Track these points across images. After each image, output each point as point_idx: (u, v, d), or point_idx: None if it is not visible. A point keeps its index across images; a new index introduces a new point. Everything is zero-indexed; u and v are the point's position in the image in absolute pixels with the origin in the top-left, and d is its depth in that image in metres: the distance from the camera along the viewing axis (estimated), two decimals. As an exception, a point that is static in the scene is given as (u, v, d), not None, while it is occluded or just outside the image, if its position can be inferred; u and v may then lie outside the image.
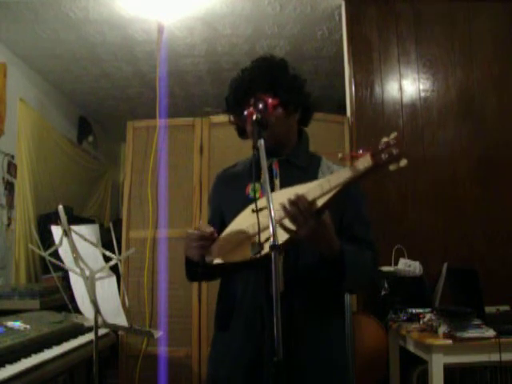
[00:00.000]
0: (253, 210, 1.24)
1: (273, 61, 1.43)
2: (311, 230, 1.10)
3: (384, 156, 0.98)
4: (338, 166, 1.43)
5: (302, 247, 1.26)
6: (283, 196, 1.13)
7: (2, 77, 3.86)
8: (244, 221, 1.29)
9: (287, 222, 1.12)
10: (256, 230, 1.18)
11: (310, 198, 1.11)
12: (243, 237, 1.27)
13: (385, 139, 0.99)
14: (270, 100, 1.34)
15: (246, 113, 1.31)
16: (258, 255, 1.18)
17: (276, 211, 1.13)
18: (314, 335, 1.29)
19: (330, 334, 1.33)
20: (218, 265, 1.32)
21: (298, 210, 1.09)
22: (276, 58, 1.44)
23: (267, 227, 1.15)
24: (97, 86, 4.94)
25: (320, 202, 1.10)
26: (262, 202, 1.19)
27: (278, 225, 1.13)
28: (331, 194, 1.09)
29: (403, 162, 0.97)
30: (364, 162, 1.01)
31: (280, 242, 1.13)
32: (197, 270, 1.37)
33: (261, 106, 1.33)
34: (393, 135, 0.99)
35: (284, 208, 1.11)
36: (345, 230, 1.33)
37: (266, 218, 1.14)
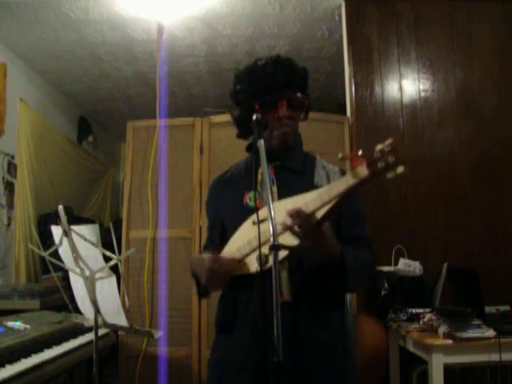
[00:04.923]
0: (254, 222, 1.23)
1: (298, 65, 1.43)
2: (312, 242, 1.11)
3: (380, 165, 0.96)
4: (333, 165, 1.44)
5: (306, 256, 1.26)
6: (282, 207, 1.12)
7: (2, 77, 3.86)
8: (247, 232, 1.28)
9: (288, 235, 1.11)
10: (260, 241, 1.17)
11: (309, 209, 1.10)
12: (247, 250, 1.26)
13: (379, 146, 0.97)
14: (306, 102, 1.38)
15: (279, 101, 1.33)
16: (264, 268, 1.17)
17: (279, 223, 1.12)
18: (319, 337, 1.29)
19: (334, 333, 1.34)
20: None
21: (298, 223, 1.08)
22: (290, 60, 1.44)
23: (269, 239, 1.15)
24: (97, 86, 4.94)
25: (319, 214, 1.10)
26: (262, 213, 1.17)
27: (286, 233, 1.13)
28: (330, 205, 1.08)
29: (400, 169, 0.94)
30: (361, 171, 1.00)
31: (282, 255, 1.13)
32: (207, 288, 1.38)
33: (300, 103, 1.36)
34: (388, 142, 0.96)
35: (283, 222, 1.10)
36: (343, 230, 1.33)
37: (267, 229, 1.14)
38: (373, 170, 0.98)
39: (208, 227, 1.55)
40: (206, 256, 1.30)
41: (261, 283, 1.23)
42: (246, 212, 1.31)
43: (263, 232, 1.14)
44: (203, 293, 1.45)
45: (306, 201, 1.12)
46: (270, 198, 1.09)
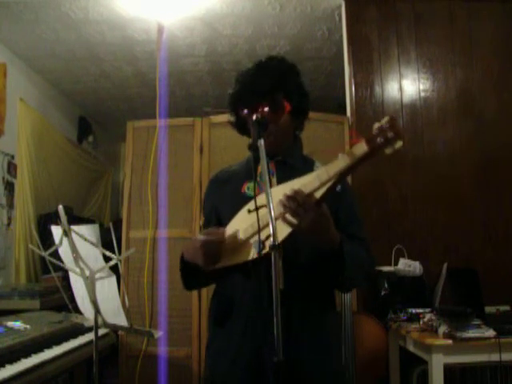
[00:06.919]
0: (249, 210, 1.23)
1: (287, 64, 1.43)
2: (312, 222, 1.11)
3: (379, 140, 0.97)
4: None
5: (300, 245, 1.26)
6: (280, 191, 1.12)
7: (2, 77, 3.86)
8: (242, 221, 1.28)
9: (288, 216, 1.12)
10: (256, 229, 1.16)
11: (308, 190, 1.11)
12: (243, 237, 1.26)
13: (377, 124, 0.98)
14: (286, 104, 1.36)
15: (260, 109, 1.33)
16: (261, 254, 1.16)
17: (275, 207, 1.12)
18: (312, 332, 1.30)
19: (327, 328, 1.34)
20: (220, 268, 1.31)
21: (297, 203, 1.09)
22: (289, 62, 1.44)
23: (267, 225, 1.14)
24: (97, 85, 4.94)
25: (318, 194, 1.10)
26: (258, 201, 1.18)
27: (280, 219, 1.13)
28: (329, 184, 1.08)
29: (399, 144, 0.96)
30: (359, 148, 1.00)
31: (281, 237, 1.13)
32: (197, 276, 1.37)
33: (276, 107, 1.35)
34: (385, 118, 0.98)
35: (283, 203, 1.10)
36: (340, 231, 1.33)
37: (264, 216, 1.14)
38: (372, 146, 0.98)
39: (203, 223, 1.55)
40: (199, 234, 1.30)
41: (256, 274, 1.23)
42: (243, 201, 1.31)
43: (260, 218, 1.14)
44: (191, 280, 1.44)
45: (305, 182, 1.12)
46: (270, 194, 1.09)
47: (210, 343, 1.43)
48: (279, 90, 1.37)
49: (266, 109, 1.34)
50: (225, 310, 1.35)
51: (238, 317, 1.32)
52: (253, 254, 1.22)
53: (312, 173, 1.14)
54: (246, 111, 1.38)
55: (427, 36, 3.19)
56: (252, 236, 1.23)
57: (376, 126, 0.98)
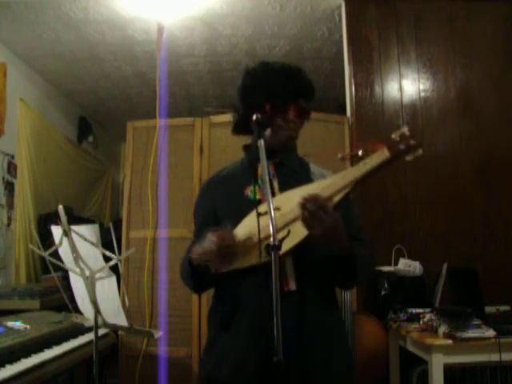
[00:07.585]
0: (260, 214, 1.23)
1: (304, 72, 1.46)
2: (330, 226, 1.11)
3: (402, 146, 1.00)
4: (327, 170, 1.46)
5: (311, 245, 1.24)
6: (297, 194, 1.13)
7: (2, 77, 3.87)
8: (251, 224, 1.26)
9: (306, 219, 1.12)
10: (266, 233, 1.14)
11: (326, 194, 1.12)
12: (252, 241, 1.25)
13: (398, 132, 1.02)
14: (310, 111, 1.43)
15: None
16: (271, 258, 1.16)
17: (291, 210, 1.13)
18: (324, 330, 1.30)
19: (336, 326, 1.36)
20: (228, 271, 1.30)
21: (317, 206, 1.10)
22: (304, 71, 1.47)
23: (277, 230, 1.14)
24: (97, 85, 4.94)
25: (336, 199, 1.12)
26: (265, 205, 1.17)
27: (296, 222, 1.13)
28: (347, 191, 1.10)
29: (419, 152, 1.00)
30: (381, 155, 1.02)
31: (296, 241, 1.15)
32: (205, 279, 1.36)
33: (304, 109, 1.41)
34: (405, 128, 1.02)
35: (302, 205, 1.11)
36: None
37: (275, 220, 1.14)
38: (394, 153, 1.02)
39: (198, 227, 1.50)
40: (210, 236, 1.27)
41: (261, 277, 1.22)
42: (246, 204, 1.31)
43: (268, 225, 1.13)
44: (199, 283, 1.43)
45: (320, 187, 1.13)
46: (270, 197, 1.09)
47: (209, 346, 1.40)
48: (309, 97, 1.43)
49: (293, 111, 1.39)
50: (230, 315, 1.33)
51: (242, 320, 1.30)
52: (263, 257, 1.21)
53: (328, 178, 1.17)
54: (273, 107, 1.38)
55: (427, 36, 3.19)
56: (263, 240, 1.22)
57: (398, 132, 1.02)
